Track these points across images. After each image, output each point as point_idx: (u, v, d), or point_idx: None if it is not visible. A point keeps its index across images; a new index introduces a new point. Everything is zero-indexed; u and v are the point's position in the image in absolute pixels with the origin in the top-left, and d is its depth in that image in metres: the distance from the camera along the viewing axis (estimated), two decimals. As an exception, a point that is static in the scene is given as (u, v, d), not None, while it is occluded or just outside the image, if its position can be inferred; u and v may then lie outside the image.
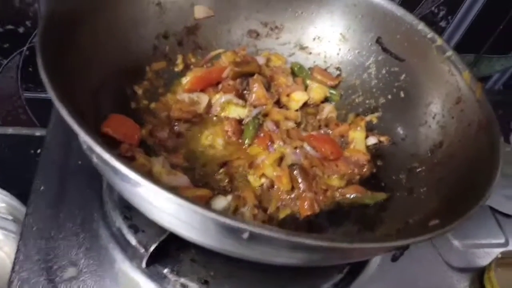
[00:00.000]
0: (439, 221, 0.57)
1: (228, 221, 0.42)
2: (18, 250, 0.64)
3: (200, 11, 0.89)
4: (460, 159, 0.70)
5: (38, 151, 1.19)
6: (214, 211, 0.42)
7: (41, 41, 0.58)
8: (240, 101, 0.82)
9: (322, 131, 0.85)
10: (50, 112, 0.90)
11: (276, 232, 0.42)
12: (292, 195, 0.70)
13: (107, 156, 0.45)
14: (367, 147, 0.83)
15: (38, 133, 1.20)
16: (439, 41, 0.82)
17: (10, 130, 1.19)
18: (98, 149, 0.45)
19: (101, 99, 0.71)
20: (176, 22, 0.87)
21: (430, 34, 0.83)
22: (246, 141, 0.78)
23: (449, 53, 0.80)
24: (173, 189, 0.57)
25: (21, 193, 1.05)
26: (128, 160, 0.63)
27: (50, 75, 0.53)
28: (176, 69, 0.87)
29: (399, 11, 0.87)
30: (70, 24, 0.66)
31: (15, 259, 0.64)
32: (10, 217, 0.96)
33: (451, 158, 0.72)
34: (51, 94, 0.50)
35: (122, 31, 0.78)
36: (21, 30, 0.98)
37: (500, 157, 0.62)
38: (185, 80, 0.81)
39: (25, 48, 1.01)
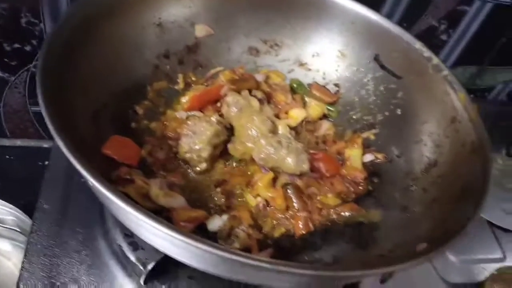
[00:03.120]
0: (427, 244, 0.58)
1: (218, 252, 0.44)
2: (22, 268, 0.67)
3: (200, 30, 0.92)
4: (453, 180, 0.71)
5: (46, 162, 1.23)
6: (205, 242, 0.44)
7: (41, 69, 0.61)
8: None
9: (318, 148, 0.86)
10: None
11: (262, 262, 0.44)
12: (287, 214, 0.72)
13: (103, 190, 0.48)
14: (364, 164, 0.84)
15: (45, 145, 1.23)
16: (435, 60, 0.83)
17: (18, 142, 1.23)
18: (95, 182, 0.48)
19: (102, 121, 0.74)
20: (176, 41, 0.90)
21: (427, 53, 0.85)
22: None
23: (445, 72, 0.81)
24: (168, 219, 0.60)
25: (28, 204, 1.08)
26: (127, 183, 0.65)
27: (49, 106, 0.56)
28: (176, 88, 0.89)
29: (396, 30, 0.88)
30: (70, 48, 0.69)
31: (19, 275, 0.67)
32: (18, 229, 1.00)
33: (445, 178, 0.73)
34: (50, 127, 0.53)
35: (124, 53, 0.81)
36: (27, 48, 1.01)
37: (489, 182, 0.63)
38: (185, 99, 0.83)
39: (31, 65, 1.05)
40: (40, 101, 0.56)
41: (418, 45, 0.86)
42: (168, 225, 0.46)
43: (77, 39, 0.70)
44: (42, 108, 0.55)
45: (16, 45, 1.01)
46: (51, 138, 1.18)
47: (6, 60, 1.03)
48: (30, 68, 1.06)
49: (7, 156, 1.21)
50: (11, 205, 0.97)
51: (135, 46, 0.83)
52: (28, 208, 1.07)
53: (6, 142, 1.22)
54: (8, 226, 0.99)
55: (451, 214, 0.65)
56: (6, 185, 1.16)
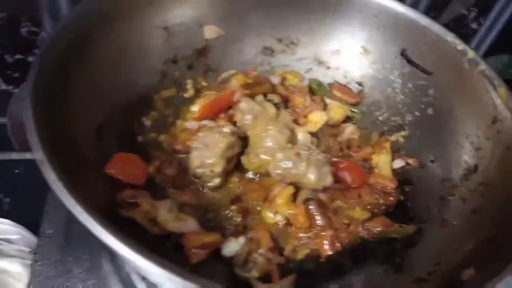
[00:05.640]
0: (474, 270, 0.50)
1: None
2: (26, 301, 0.62)
3: (210, 31, 0.85)
4: (498, 188, 0.63)
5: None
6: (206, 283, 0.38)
7: (34, 85, 0.56)
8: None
9: (342, 155, 0.79)
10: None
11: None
12: (311, 233, 0.65)
13: (94, 229, 0.42)
14: (394, 171, 0.77)
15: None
16: (471, 53, 0.74)
17: (27, 156, 1.18)
18: (85, 220, 0.42)
19: (107, 136, 0.68)
20: (185, 45, 0.83)
21: (461, 45, 0.76)
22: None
23: (482, 66, 0.73)
24: (178, 245, 0.54)
25: (36, 221, 1.04)
26: (132, 206, 0.59)
27: (39, 126, 0.50)
28: (186, 95, 0.83)
29: (424, 21, 0.80)
30: (69, 58, 0.63)
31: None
32: (28, 249, 0.95)
33: (487, 187, 0.65)
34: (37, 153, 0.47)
35: (128, 61, 0.75)
36: (30, 59, 0.96)
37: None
38: (195, 108, 0.76)
39: (36, 76, 1.00)
40: (29, 120, 0.51)
41: (450, 37, 0.77)
42: (171, 268, 0.40)
43: (77, 48, 0.65)
44: (29, 127, 0.49)
45: (18, 56, 0.96)
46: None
47: (8, 72, 0.98)
48: (34, 79, 1.01)
49: (16, 171, 1.16)
50: (19, 225, 0.92)
51: (141, 53, 0.77)
52: (36, 225, 1.03)
53: (14, 155, 1.17)
54: (17, 247, 0.95)
55: (497, 229, 0.57)
56: (16, 200, 1.12)
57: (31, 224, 1.02)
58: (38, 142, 0.49)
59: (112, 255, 0.67)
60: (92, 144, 0.65)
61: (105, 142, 0.67)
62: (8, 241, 0.95)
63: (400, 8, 0.82)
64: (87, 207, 0.42)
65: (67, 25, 0.65)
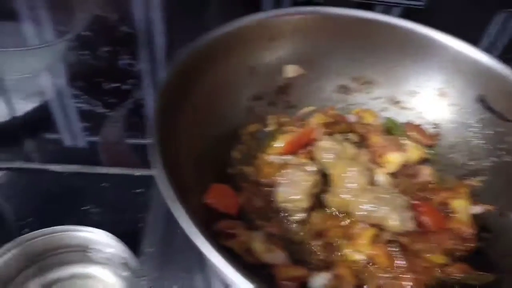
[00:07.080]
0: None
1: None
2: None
3: (291, 70, 0.91)
4: None
5: (137, 190, 1.27)
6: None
7: (157, 118, 0.63)
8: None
9: (418, 197, 0.81)
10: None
11: None
12: (391, 274, 0.68)
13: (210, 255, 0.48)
14: (471, 216, 0.78)
15: (137, 173, 1.28)
16: (553, 105, 0.75)
17: (113, 171, 1.28)
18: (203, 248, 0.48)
19: (202, 167, 0.75)
20: (268, 83, 0.90)
21: (542, 97, 0.77)
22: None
23: None
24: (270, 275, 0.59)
25: (124, 233, 1.12)
26: (229, 237, 0.65)
27: (162, 160, 0.58)
28: (268, 130, 0.89)
29: (503, 70, 0.81)
30: (178, 96, 0.71)
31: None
32: (120, 260, 1.03)
33: None
34: (162, 188, 0.54)
35: (223, 97, 0.82)
36: (124, 87, 1.06)
37: None
38: (277, 144, 0.82)
39: (127, 102, 1.10)
40: (154, 150, 0.58)
41: (530, 88, 0.78)
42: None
43: (185, 85, 0.73)
44: (157, 164, 0.56)
45: (114, 84, 1.07)
46: (144, 166, 1.24)
47: (105, 97, 1.09)
48: (126, 104, 1.11)
49: (102, 184, 1.26)
50: (112, 235, 1.00)
51: (232, 90, 0.84)
52: (122, 238, 1.11)
53: (101, 170, 1.28)
54: (110, 256, 1.02)
55: None
56: (103, 212, 1.22)
57: (118, 235, 1.11)
58: (162, 167, 0.56)
59: (205, 275, 0.73)
60: (192, 173, 0.72)
61: (201, 172, 0.74)
62: (100, 250, 1.04)
63: (478, 55, 0.84)
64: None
65: (178, 67, 0.73)
